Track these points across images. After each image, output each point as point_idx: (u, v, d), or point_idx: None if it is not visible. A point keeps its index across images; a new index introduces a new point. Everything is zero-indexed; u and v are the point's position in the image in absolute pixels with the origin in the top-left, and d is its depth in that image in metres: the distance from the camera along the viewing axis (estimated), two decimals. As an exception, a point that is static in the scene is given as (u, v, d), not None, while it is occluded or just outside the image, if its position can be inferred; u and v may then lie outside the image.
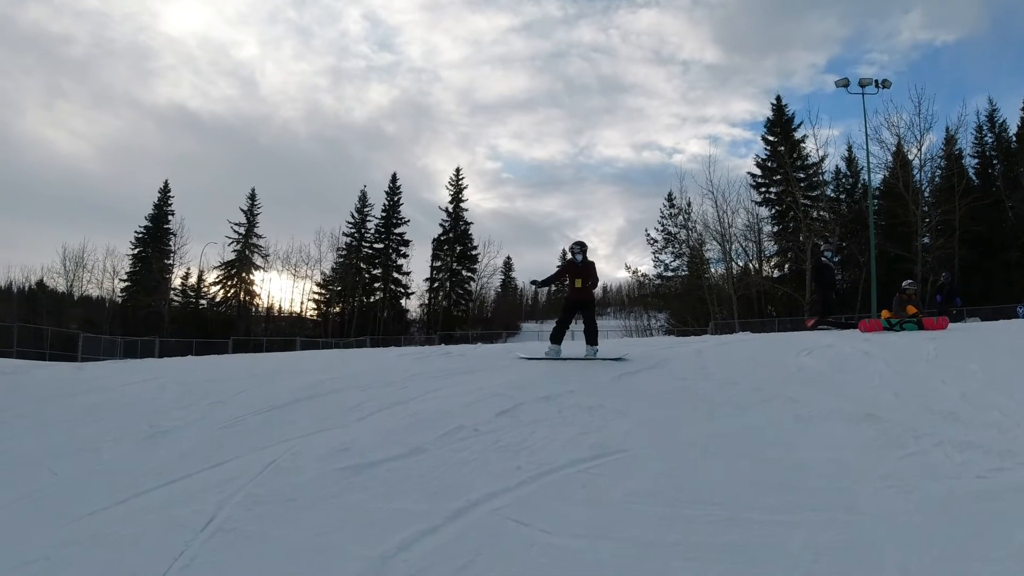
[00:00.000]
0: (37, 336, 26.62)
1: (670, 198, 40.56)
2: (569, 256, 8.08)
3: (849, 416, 4.49)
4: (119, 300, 49.30)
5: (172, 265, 50.10)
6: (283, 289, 53.29)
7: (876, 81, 27.00)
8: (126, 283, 49.52)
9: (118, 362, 10.92)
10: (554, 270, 8.54)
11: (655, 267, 41.45)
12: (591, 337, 7.79)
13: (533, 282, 8.52)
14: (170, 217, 50.28)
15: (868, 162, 28.20)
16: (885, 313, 10.55)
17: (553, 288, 12.85)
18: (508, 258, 63.44)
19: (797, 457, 3.71)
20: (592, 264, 7.98)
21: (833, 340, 8.72)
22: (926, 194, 34.03)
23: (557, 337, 7.95)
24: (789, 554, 2.54)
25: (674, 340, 12.24)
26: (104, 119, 65.81)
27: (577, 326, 8.58)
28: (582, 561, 2.57)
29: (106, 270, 49.76)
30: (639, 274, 42.79)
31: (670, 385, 5.73)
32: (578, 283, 7.80)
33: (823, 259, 12.17)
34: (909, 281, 11.16)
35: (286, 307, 53.01)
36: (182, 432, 4.50)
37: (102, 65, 63.60)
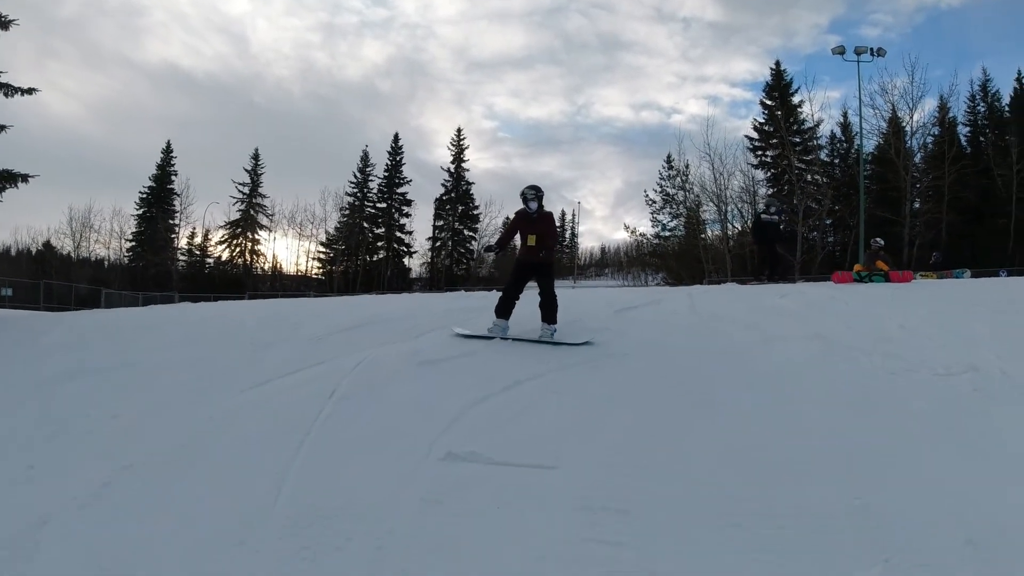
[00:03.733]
0: (62, 293, 27.80)
1: (669, 160, 41.43)
2: (521, 205, 6.39)
3: (804, 337, 5.72)
4: (125, 260, 50.27)
5: (177, 225, 50.93)
6: (288, 248, 54.26)
7: (871, 49, 27.78)
8: (132, 243, 50.42)
9: (182, 304, 12.08)
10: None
11: (653, 227, 42.51)
12: (547, 313, 6.08)
13: (487, 248, 7.11)
14: (173, 177, 50.88)
15: (861, 128, 29.17)
16: (857, 267, 11.76)
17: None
18: (507, 218, 64.25)
19: (761, 362, 4.96)
20: (550, 216, 6.39)
21: (807, 288, 9.95)
22: (917, 160, 34.98)
23: (503, 310, 6.24)
24: (742, 407, 3.81)
25: (669, 288, 13.43)
26: (96, 79, 65.33)
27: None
28: (600, 415, 3.82)
29: (113, 231, 50.60)
30: (638, 233, 43.83)
31: (664, 317, 6.93)
32: (531, 240, 6.21)
33: (763, 217, 12.39)
34: (878, 239, 12.33)
35: (291, 266, 54.08)
36: (279, 346, 5.71)
37: (92, 23, 62.98)
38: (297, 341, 5.83)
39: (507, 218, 50.08)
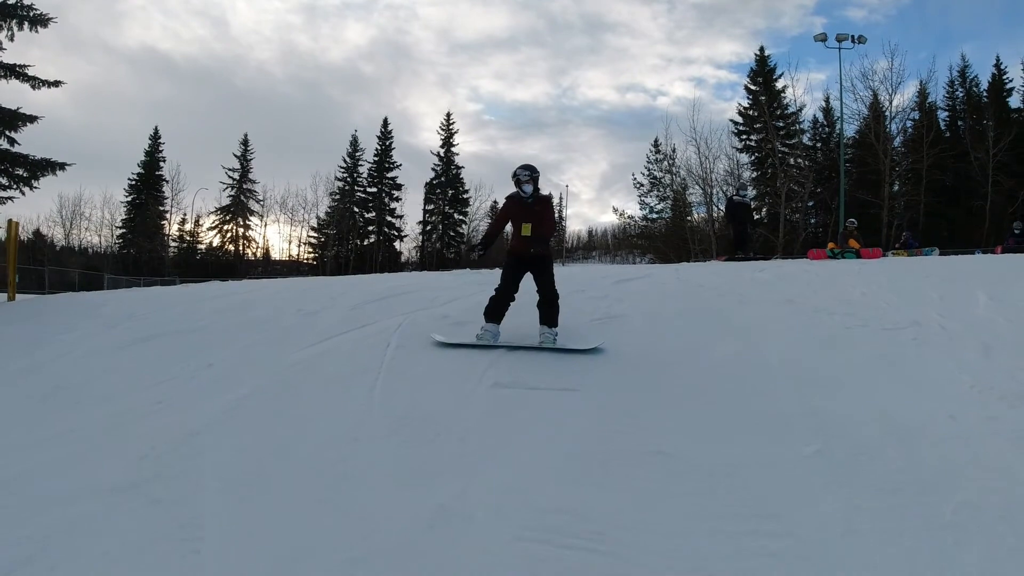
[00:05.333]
0: (58, 279, 28.35)
1: (656, 144, 42.34)
2: (514, 189, 5.47)
3: (776, 302, 6.66)
4: (116, 247, 50.51)
5: (166, 211, 51.17)
6: (280, 234, 54.76)
7: (852, 36, 28.82)
8: (122, 230, 50.63)
9: (210, 282, 12.87)
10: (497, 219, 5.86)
11: (641, 210, 43.52)
12: (547, 315, 5.28)
13: (472, 247, 6.02)
14: (162, 164, 51.02)
15: (842, 114, 30.26)
16: (831, 245, 12.75)
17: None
18: (495, 202, 64.87)
19: (736, 319, 5.89)
20: (548, 200, 5.50)
21: (784, 263, 10.92)
22: (897, 144, 36.14)
23: (494, 313, 5.36)
24: (721, 350, 4.74)
25: (659, 265, 14.35)
26: (76, 64, 64.90)
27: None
28: (608, 357, 4.73)
29: (104, 219, 50.80)
30: (626, 216, 44.86)
31: (654, 287, 7.84)
32: (525, 229, 5.31)
33: (735, 199, 13.26)
34: (851, 220, 13.33)
35: (282, 251, 54.56)
36: (324, 313, 6.54)
37: (72, 8, 62.39)
38: (337, 309, 6.66)
39: (494, 203, 50.78)
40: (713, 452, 3.21)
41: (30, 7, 10.69)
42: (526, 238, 5.31)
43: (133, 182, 50.91)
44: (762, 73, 39.62)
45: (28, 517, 2.67)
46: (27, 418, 3.90)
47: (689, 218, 39.92)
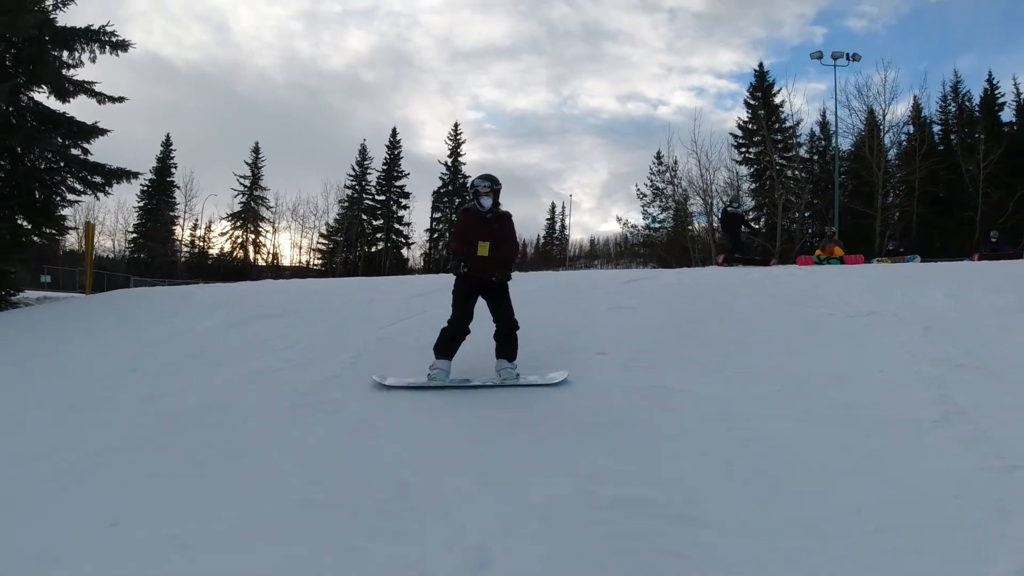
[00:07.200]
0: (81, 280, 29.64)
1: (659, 156, 43.76)
2: (470, 199, 5.02)
3: (761, 296, 7.93)
4: (128, 252, 51.73)
5: (177, 217, 52.40)
6: (290, 240, 56.04)
7: (847, 55, 30.37)
8: (134, 235, 51.84)
9: (264, 280, 14.22)
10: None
11: (644, 219, 44.93)
12: (504, 347, 4.87)
13: (455, 271, 5.20)
14: (173, 170, 52.10)
15: (836, 129, 31.74)
16: (817, 252, 14.06)
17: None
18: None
19: (728, 309, 7.17)
20: (507, 217, 5.03)
21: (774, 268, 12.21)
22: (891, 156, 37.53)
23: (446, 347, 4.84)
24: (715, 329, 6.03)
25: (662, 269, 15.63)
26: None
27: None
28: (628, 333, 6.02)
29: (118, 224, 52.01)
30: (629, 225, 46.30)
31: (660, 285, 9.13)
32: (482, 249, 4.83)
33: (729, 209, 14.65)
34: (832, 228, 14.67)
35: (291, 257, 55.84)
36: (383, 303, 7.82)
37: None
38: (394, 300, 7.95)
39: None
40: (708, 387, 4.49)
41: (112, 33, 11.95)
42: (484, 258, 4.83)
43: (145, 187, 52.14)
44: (761, 88, 41.07)
45: (243, 421, 3.97)
46: (191, 369, 5.20)
47: (690, 227, 41.25)
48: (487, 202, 4.81)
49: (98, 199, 12.23)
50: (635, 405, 4.15)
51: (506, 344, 4.82)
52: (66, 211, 12.98)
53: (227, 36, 71.70)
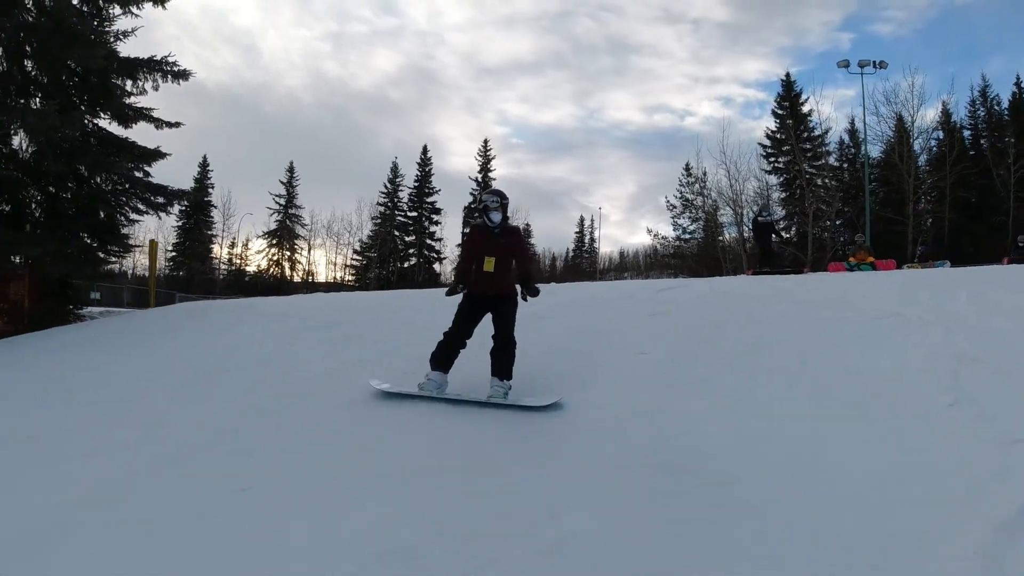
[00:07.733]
0: (138, 295, 31.02)
1: (687, 168, 44.09)
2: (478, 216, 5.15)
3: (788, 302, 8.32)
4: (167, 269, 53.45)
5: (214, 235, 54.10)
6: (324, 257, 57.39)
7: (873, 62, 30.47)
8: (173, 253, 53.59)
9: (314, 294, 15.01)
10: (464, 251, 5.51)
11: (674, 231, 45.26)
12: (500, 365, 4.88)
13: (449, 292, 5.22)
14: (210, 190, 53.73)
15: (865, 137, 31.83)
16: (850, 258, 14.35)
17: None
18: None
19: (756, 312, 7.60)
20: (517, 232, 5.34)
21: (804, 276, 12.54)
22: (921, 163, 37.38)
23: (442, 358, 4.98)
24: (743, 332, 6.48)
25: (693, 279, 16.03)
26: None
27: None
28: (663, 335, 6.50)
29: (158, 241, 53.72)
30: (659, 237, 46.66)
31: (692, 293, 9.55)
32: (488, 264, 4.90)
33: (760, 219, 14.94)
34: (861, 236, 14.94)
35: (326, 274, 57.15)
36: (430, 312, 8.38)
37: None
38: (443, 308, 8.50)
39: (527, 226, 52.78)
40: (735, 372, 4.95)
41: (174, 63, 12.81)
42: (489, 273, 4.87)
43: (184, 207, 53.83)
44: (788, 98, 41.22)
45: (324, 410, 4.56)
46: (263, 371, 5.83)
47: (720, 238, 41.41)
48: (496, 217, 4.91)
49: (160, 218, 13.17)
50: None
51: (501, 360, 4.85)
52: (125, 230, 13.83)
53: (255, 58, 73.80)
